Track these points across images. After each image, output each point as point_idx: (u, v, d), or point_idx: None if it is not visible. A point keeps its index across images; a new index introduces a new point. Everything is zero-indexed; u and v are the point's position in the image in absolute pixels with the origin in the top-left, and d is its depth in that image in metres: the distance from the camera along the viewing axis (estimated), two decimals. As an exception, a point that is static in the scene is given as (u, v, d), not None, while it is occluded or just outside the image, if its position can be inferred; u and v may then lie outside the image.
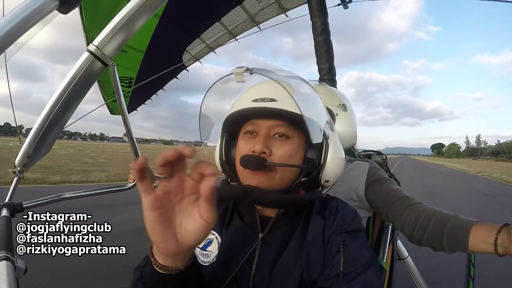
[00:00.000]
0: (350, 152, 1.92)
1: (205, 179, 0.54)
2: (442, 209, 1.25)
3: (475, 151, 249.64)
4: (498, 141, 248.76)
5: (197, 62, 4.68)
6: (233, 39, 4.13)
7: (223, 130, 1.02)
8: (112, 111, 4.81)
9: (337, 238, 0.90)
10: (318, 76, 2.49)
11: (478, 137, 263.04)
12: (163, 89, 5.38)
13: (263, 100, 0.91)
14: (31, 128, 1.13)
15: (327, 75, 2.44)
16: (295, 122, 0.91)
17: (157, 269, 0.65)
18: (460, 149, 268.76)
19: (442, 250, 1.18)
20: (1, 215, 1.10)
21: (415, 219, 1.25)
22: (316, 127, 0.91)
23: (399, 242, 2.24)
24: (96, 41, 1.05)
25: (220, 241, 0.97)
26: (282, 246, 0.92)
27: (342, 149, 1.03)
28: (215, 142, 1.05)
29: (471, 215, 1.17)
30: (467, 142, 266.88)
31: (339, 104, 1.61)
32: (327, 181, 0.98)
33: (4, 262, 0.88)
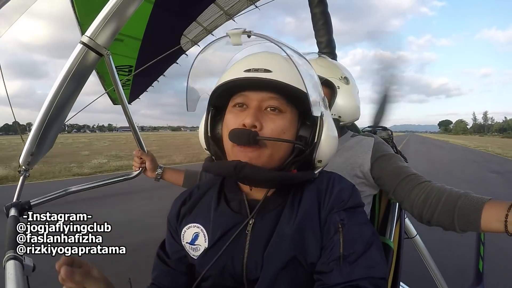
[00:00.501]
0: (354, 127, 1.86)
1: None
2: (452, 187, 1.18)
3: (482, 128, 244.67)
4: (505, 117, 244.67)
5: (196, 45, 4.64)
6: (230, 19, 4.07)
7: (210, 103, 0.95)
8: (114, 101, 4.81)
9: (334, 217, 0.86)
10: (317, 50, 2.43)
11: (485, 114, 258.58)
12: (164, 75, 5.35)
13: (256, 70, 0.84)
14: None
15: (326, 48, 2.37)
16: (290, 96, 0.86)
17: None
18: (467, 126, 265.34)
19: (452, 230, 1.12)
20: (10, 215, 1.11)
21: (424, 198, 1.19)
22: (315, 101, 0.84)
23: (407, 220, 2.19)
24: (89, 32, 1.03)
25: (205, 233, 0.94)
26: (272, 229, 0.88)
27: (335, 128, 0.97)
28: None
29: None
30: (474, 119, 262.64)
31: (341, 77, 1.54)
32: (319, 161, 0.92)
33: (12, 261, 0.90)
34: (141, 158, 1.77)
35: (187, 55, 4.80)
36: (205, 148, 0.98)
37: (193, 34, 4.31)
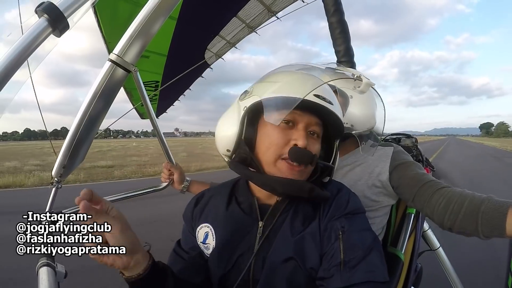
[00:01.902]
0: (373, 136, 1.84)
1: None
2: (474, 192, 1.14)
3: None
4: None
5: (220, 58, 4.71)
6: (253, 32, 4.11)
7: (249, 108, 0.97)
8: (142, 115, 4.93)
9: (335, 224, 0.89)
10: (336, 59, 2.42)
11: None
12: (190, 89, 5.44)
13: (324, 99, 0.91)
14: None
15: (344, 56, 2.36)
16: (331, 126, 0.98)
17: (127, 280, 0.81)
18: (509, 128, 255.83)
19: (476, 236, 1.09)
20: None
21: (445, 204, 1.15)
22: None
23: (429, 231, 2.13)
24: (116, 50, 1.07)
25: (214, 233, 0.99)
26: (278, 232, 0.94)
27: None
28: None
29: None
30: None
31: (355, 87, 1.55)
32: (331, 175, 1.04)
33: (45, 268, 0.94)
34: (169, 170, 1.82)
35: (211, 68, 4.87)
36: (227, 150, 1.01)
37: (217, 48, 4.38)
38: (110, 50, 1.11)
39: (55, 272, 0.97)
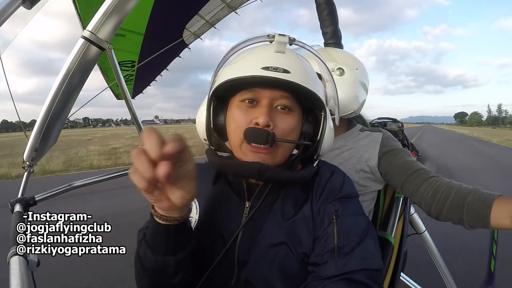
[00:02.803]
0: (361, 120, 1.83)
1: (188, 162, 0.61)
2: (462, 183, 1.17)
3: (497, 120, 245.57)
4: None
5: (199, 39, 4.62)
6: (232, 12, 4.04)
7: (213, 93, 0.92)
8: (117, 96, 4.81)
9: (328, 208, 0.87)
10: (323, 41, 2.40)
11: (499, 106, 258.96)
12: (167, 69, 5.33)
13: (275, 69, 0.83)
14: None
15: (332, 38, 2.31)
16: (299, 94, 0.87)
17: (158, 220, 0.72)
18: (482, 118, 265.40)
19: (462, 225, 1.12)
20: (15, 211, 1.12)
21: (433, 194, 1.18)
22: (322, 101, 0.88)
23: (415, 215, 2.18)
24: (90, 26, 1.02)
25: (197, 205, 0.95)
26: (266, 215, 0.89)
27: (331, 119, 0.99)
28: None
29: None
30: (489, 111, 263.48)
31: (333, 69, 1.52)
32: (320, 155, 0.95)
33: (16, 257, 0.90)
34: None
35: (189, 48, 4.77)
36: (204, 139, 0.98)
37: (196, 28, 4.28)
38: (85, 28, 1.05)
39: (27, 261, 0.93)
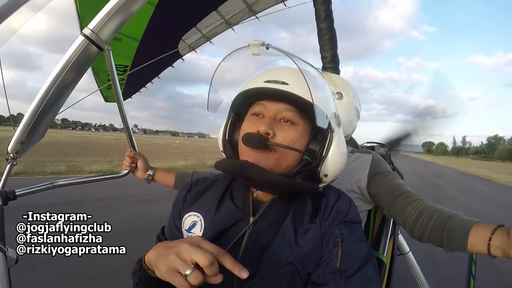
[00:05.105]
0: (353, 143, 1.89)
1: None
2: (444, 207, 1.24)
3: (460, 151, 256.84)
4: (482, 142, 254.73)
5: (193, 51, 4.65)
6: (230, 28, 4.09)
7: (231, 110, 1.02)
8: (106, 99, 4.78)
9: (334, 231, 0.88)
10: (321, 65, 2.44)
11: (463, 138, 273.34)
12: (159, 77, 5.33)
13: (275, 82, 0.90)
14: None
15: (330, 63, 2.37)
16: (304, 108, 0.91)
17: (149, 272, 0.76)
18: (447, 149, 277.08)
19: (442, 248, 1.18)
20: (-6, 203, 1.08)
21: (416, 216, 1.24)
22: (323, 114, 0.89)
23: (400, 236, 2.23)
24: (91, 25, 1.02)
25: (203, 223, 0.96)
26: (273, 232, 0.90)
27: (345, 145, 1.01)
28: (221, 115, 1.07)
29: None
30: (454, 142, 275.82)
31: (333, 93, 1.58)
32: (325, 175, 0.96)
33: None
34: (132, 158, 1.76)
35: (183, 60, 4.80)
36: (221, 151, 1.04)
37: (192, 40, 4.32)
38: (82, 27, 1.05)
39: (6, 257, 0.90)
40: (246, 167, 0.86)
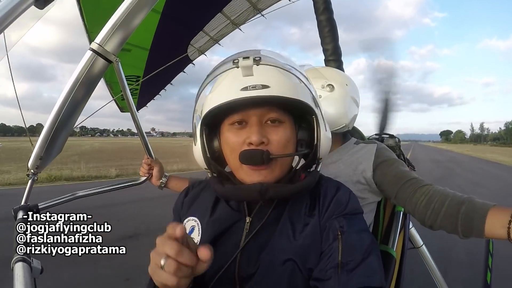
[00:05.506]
0: (359, 134, 1.86)
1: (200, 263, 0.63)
2: (456, 192, 1.17)
3: (479, 138, 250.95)
4: (500, 128, 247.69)
5: (203, 55, 4.67)
6: (236, 28, 4.10)
7: (202, 124, 0.91)
8: (122, 109, 4.86)
9: (334, 224, 0.86)
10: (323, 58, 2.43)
11: (481, 125, 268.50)
12: (171, 84, 5.39)
13: (254, 87, 0.81)
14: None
15: (332, 55, 2.34)
16: (286, 105, 0.86)
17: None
18: (465, 136, 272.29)
19: (456, 234, 1.11)
20: (17, 218, 1.12)
21: (427, 203, 1.19)
22: (310, 107, 0.87)
23: (413, 229, 2.18)
24: (98, 39, 1.04)
25: (201, 227, 0.95)
26: (271, 230, 0.88)
27: (325, 121, 0.97)
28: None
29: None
30: (472, 129, 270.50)
31: (323, 86, 1.55)
32: (320, 158, 0.93)
33: (20, 263, 0.90)
34: (149, 165, 1.79)
35: (193, 64, 4.84)
36: (205, 168, 0.96)
37: (200, 43, 4.35)
38: (91, 40, 1.08)
39: (31, 268, 0.93)
40: (264, 191, 0.82)
